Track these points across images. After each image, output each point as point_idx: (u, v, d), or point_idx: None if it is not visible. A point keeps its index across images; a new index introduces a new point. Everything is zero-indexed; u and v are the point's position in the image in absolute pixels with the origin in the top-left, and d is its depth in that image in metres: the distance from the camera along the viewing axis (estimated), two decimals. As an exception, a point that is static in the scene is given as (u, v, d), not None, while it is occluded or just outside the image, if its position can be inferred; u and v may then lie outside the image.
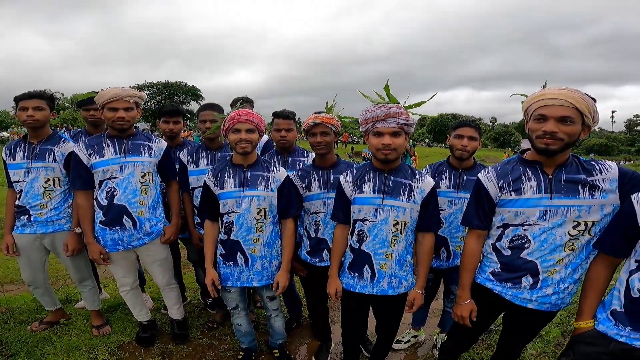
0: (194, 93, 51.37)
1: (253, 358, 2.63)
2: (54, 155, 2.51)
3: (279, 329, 2.57)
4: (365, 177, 2.01)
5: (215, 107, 2.71)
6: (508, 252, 1.76)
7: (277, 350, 2.67)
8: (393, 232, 1.96)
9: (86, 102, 2.79)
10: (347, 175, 2.08)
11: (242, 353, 2.62)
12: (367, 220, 1.99)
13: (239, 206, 2.20)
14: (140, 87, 43.24)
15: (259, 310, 3.34)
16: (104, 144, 2.38)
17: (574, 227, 1.64)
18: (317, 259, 2.39)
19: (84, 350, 2.69)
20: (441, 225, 2.17)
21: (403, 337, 2.90)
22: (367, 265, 2.02)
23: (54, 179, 2.54)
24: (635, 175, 1.60)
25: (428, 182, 1.99)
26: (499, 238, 1.79)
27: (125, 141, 2.41)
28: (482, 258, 1.89)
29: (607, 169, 1.63)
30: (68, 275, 3.95)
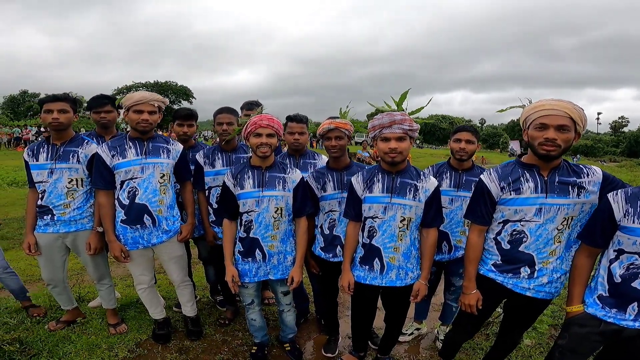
0: (184, 93, 51.04)
1: (265, 352, 2.76)
2: (78, 157, 2.60)
3: (290, 323, 2.70)
4: (375, 178, 2.19)
5: (231, 111, 2.86)
6: (508, 246, 1.96)
7: (288, 344, 2.80)
8: (400, 228, 2.15)
9: (96, 104, 2.87)
10: (358, 176, 2.25)
11: (255, 347, 2.73)
12: (376, 217, 2.17)
13: (258, 205, 2.34)
14: (129, 88, 42.77)
15: (267, 307, 3.47)
16: (126, 146, 2.49)
17: (561, 223, 1.86)
18: (330, 255, 2.54)
19: (104, 348, 2.75)
20: (443, 221, 2.34)
21: (406, 330, 3.05)
22: (377, 258, 2.20)
23: (77, 180, 2.63)
24: (615, 179, 1.84)
25: (432, 182, 2.17)
26: (499, 233, 1.98)
27: (145, 143, 2.53)
28: (484, 252, 2.07)
29: (593, 173, 1.85)
30: (79, 275, 4.02)
